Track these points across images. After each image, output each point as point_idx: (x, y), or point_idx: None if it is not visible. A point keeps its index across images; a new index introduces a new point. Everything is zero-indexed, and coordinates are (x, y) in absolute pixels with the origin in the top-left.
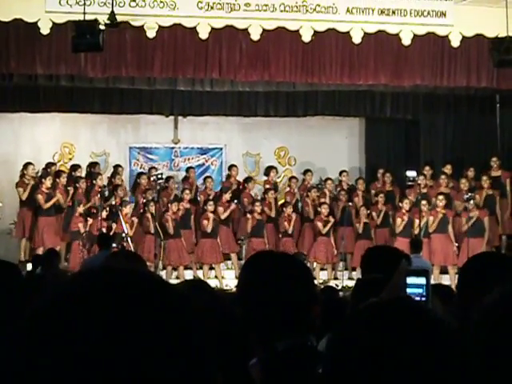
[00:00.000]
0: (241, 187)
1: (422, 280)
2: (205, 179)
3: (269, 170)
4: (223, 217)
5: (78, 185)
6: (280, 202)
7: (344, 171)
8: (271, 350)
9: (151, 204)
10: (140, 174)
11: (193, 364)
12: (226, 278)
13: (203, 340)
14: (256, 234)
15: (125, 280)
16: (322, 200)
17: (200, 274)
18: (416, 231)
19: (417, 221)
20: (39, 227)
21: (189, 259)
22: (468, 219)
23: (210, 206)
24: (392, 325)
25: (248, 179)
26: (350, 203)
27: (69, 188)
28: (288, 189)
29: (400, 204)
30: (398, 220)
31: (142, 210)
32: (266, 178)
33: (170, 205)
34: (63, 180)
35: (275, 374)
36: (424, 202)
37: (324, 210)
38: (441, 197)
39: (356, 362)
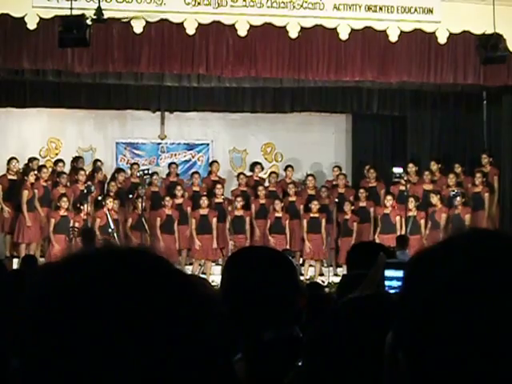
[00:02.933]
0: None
1: (400, 273)
2: (192, 175)
3: (254, 165)
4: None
5: (59, 179)
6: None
7: (336, 166)
8: (257, 341)
9: (138, 200)
10: (119, 170)
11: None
12: (214, 273)
13: (215, 330)
14: (236, 230)
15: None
16: (309, 193)
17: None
18: (400, 227)
19: (398, 217)
20: (22, 222)
21: (176, 257)
22: (454, 216)
23: (204, 202)
24: (369, 320)
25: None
26: (336, 200)
27: (51, 182)
28: (268, 184)
29: (385, 200)
30: (381, 216)
31: (132, 206)
32: (251, 173)
33: (163, 201)
34: (44, 175)
35: (261, 364)
36: (411, 199)
37: (314, 206)
38: (432, 194)
39: (334, 355)
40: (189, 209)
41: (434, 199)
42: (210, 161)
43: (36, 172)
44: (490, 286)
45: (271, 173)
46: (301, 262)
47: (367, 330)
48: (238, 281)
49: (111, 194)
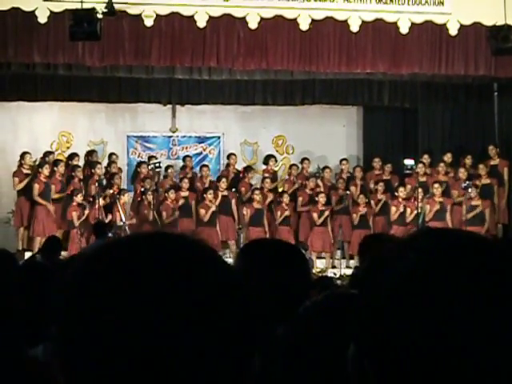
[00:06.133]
0: (241, 175)
1: None
2: (201, 168)
3: (268, 158)
4: (214, 206)
5: (73, 173)
6: (280, 189)
7: (344, 159)
8: (269, 335)
9: (149, 193)
10: (140, 163)
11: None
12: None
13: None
14: (255, 223)
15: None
16: (318, 190)
17: None
18: (410, 219)
19: (409, 210)
20: (37, 216)
21: None
22: (471, 208)
23: (210, 195)
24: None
25: (248, 168)
26: (348, 192)
27: (67, 176)
28: (287, 177)
29: (396, 192)
30: (393, 208)
31: (139, 199)
32: (264, 166)
33: (167, 193)
34: (61, 169)
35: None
36: (420, 191)
37: (321, 199)
38: (436, 185)
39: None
40: (193, 202)
41: (439, 190)
42: (227, 154)
43: (51, 166)
44: (444, 287)
45: (291, 165)
46: (310, 255)
47: (329, 332)
48: (249, 273)
49: (124, 187)
